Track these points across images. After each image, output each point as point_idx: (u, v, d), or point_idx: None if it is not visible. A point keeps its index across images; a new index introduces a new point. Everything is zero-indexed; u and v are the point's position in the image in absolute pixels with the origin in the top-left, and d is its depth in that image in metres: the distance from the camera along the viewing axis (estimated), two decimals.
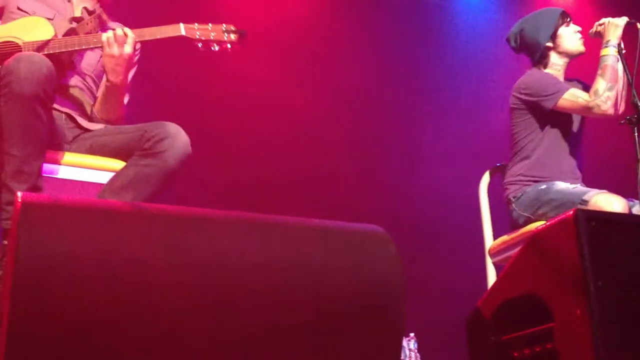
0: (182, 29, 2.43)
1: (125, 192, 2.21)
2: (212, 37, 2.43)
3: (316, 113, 4.61)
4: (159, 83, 3.94)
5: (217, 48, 2.45)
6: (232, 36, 2.44)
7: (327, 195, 4.44)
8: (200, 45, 2.45)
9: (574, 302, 1.48)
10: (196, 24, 2.44)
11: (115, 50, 2.37)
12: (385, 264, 1.61)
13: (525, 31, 3.09)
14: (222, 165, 4.28)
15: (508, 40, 3.17)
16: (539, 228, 1.63)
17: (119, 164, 2.33)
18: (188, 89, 4.26)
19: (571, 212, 1.48)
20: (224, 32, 2.44)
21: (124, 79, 2.43)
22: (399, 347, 1.62)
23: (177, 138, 2.24)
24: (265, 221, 1.54)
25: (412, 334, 3.95)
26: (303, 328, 1.44)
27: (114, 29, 2.42)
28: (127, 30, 2.39)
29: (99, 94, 2.54)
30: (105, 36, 2.38)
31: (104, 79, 2.47)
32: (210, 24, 2.46)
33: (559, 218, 1.53)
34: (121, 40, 2.37)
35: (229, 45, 2.45)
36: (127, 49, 2.37)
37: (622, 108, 2.93)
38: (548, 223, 1.58)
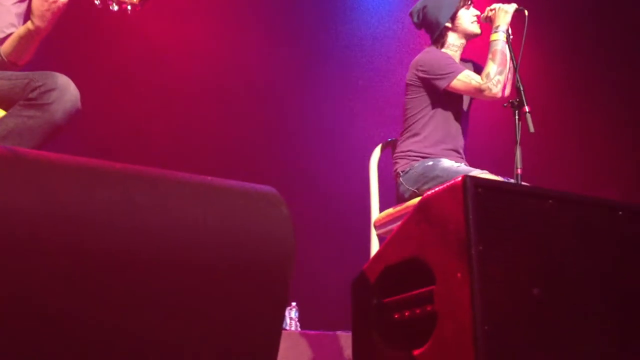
0: None
1: (2, 143, 2.07)
2: None
3: (220, 79, 4.56)
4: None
5: (116, 8, 2.34)
6: None
7: (224, 156, 4.41)
8: (97, 2, 2.33)
9: (456, 266, 1.53)
10: None
11: None
12: (277, 225, 1.58)
13: (428, 9, 3.15)
14: (117, 123, 4.17)
15: (411, 15, 3.23)
16: (428, 194, 1.67)
17: None
18: (86, 45, 4.11)
19: (460, 179, 1.53)
20: None
21: (49, 26, 2.29)
22: (284, 309, 1.61)
23: (66, 90, 2.12)
24: (150, 174, 1.47)
25: (293, 303, 3.99)
26: (183, 287, 1.39)
27: None
28: None
29: (15, 34, 2.38)
30: None
31: (29, 21, 2.32)
32: None
33: (448, 184, 1.58)
34: None
35: (129, 7, 2.34)
36: None
37: (508, 92, 3.05)
38: (438, 189, 1.62)
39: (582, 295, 1.57)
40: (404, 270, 1.73)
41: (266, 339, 1.50)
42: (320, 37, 5.04)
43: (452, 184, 1.56)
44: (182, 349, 1.36)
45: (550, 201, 1.57)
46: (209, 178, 1.64)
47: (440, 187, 1.62)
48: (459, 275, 1.51)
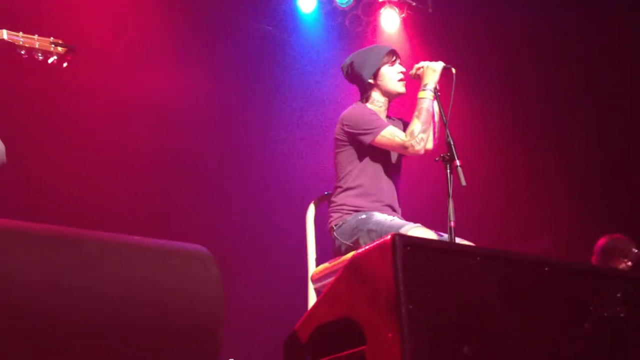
0: (4, 34, 2.39)
1: None
2: (37, 46, 2.44)
3: (144, 130, 4.50)
4: None
5: (41, 57, 2.44)
6: (59, 49, 2.48)
7: (156, 213, 4.31)
8: (23, 52, 2.41)
9: (387, 325, 1.51)
10: (21, 33, 2.44)
11: None
12: (206, 286, 1.57)
13: (354, 65, 3.19)
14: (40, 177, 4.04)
15: (342, 69, 3.27)
16: (358, 252, 1.66)
17: None
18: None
19: (389, 237, 1.52)
20: (51, 43, 2.47)
21: None
22: None
23: None
24: (76, 235, 1.45)
25: (231, 359, 3.90)
26: (111, 349, 1.36)
27: None
28: None
29: None
30: None
31: None
32: (37, 35, 2.47)
33: (377, 242, 1.57)
34: None
35: (55, 57, 2.46)
36: None
37: (431, 145, 3.10)
38: (367, 247, 1.61)
39: (511, 352, 1.57)
40: (336, 329, 1.71)
41: None
42: (263, 90, 5.07)
43: (381, 243, 1.55)
44: None
45: (477, 258, 1.59)
46: (137, 238, 1.62)
47: (370, 245, 1.62)
48: (389, 335, 1.50)
